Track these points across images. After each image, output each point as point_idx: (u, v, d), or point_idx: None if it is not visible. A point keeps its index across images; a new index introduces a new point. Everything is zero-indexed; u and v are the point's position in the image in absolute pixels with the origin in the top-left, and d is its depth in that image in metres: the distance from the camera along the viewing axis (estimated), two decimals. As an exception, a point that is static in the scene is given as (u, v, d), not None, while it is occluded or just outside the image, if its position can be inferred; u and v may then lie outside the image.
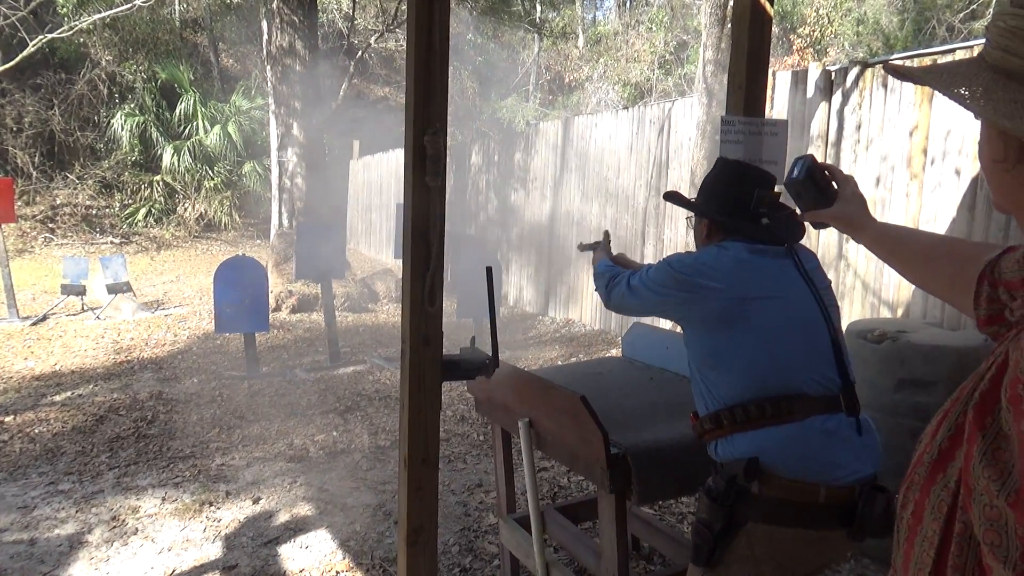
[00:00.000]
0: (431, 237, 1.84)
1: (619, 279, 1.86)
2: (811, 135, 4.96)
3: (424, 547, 1.96)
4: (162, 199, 15.41)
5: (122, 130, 15.05)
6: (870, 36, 12.17)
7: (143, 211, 15.16)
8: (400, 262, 2.08)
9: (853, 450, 1.55)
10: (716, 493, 1.55)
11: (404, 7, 9.97)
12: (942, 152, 4.22)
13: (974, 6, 11.24)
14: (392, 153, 12.93)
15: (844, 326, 2.16)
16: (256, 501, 3.66)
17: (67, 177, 15.24)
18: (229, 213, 15.54)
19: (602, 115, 7.95)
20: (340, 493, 3.76)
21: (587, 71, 15.52)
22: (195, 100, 15.48)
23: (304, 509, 3.58)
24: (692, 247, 1.96)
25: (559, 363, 6.31)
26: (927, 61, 4.27)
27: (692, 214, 1.91)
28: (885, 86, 4.56)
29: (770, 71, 3.42)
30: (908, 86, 4.35)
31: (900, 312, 4.44)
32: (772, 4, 2.55)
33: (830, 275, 3.32)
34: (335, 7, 16.71)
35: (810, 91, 4.98)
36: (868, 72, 4.68)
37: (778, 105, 5.16)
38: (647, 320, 6.09)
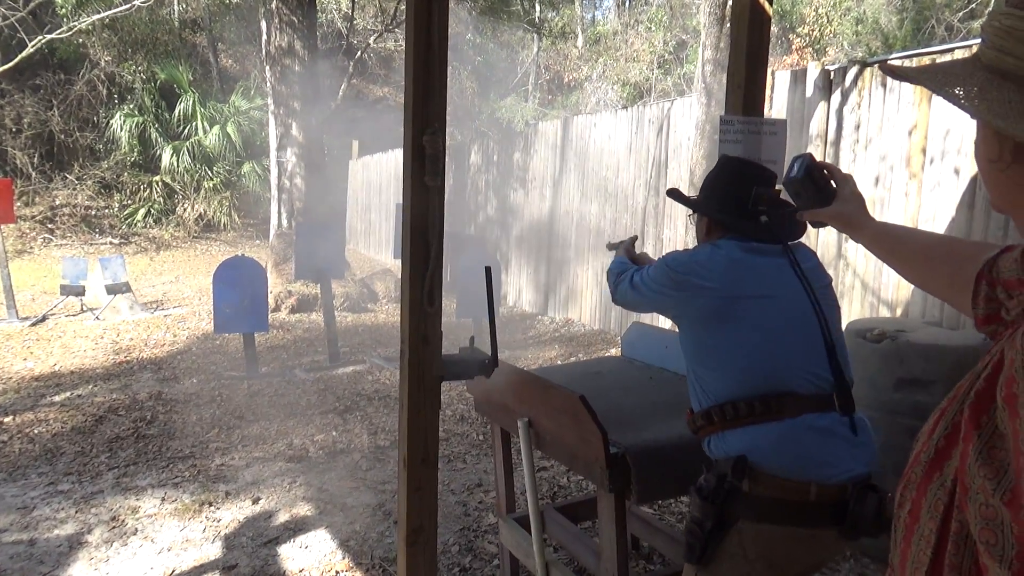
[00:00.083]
0: (430, 237, 1.84)
1: (625, 275, 1.88)
2: (810, 134, 4.96)
3: (424, 547, 1.96)
4: (161, 199, 15.41)
5: (121, 130, 15.05)
6: (869, 35, 12.17)
7: (142, 211, 15.16)
8: (399, 262, 2.08)
9: (846, 449, 1.56)
10: (707, 491, 1.56)
11: (403, 7, 9.96)
12: (941, 151, 4.22)
13: (973, 5, 11.25)
14: (391, 153, 12.92)
15: (844, 325, 2.16)
16: (256, 501, 3.66)
17: (66, 178, 15.24)
18: (228, 213, 15.54)
19: (601, 115, 7.96)
20: (340, 493, 3.76)
21: (586, 71, 15.52)
22: (194, 100, 15.48)
23: (304, 509, 3.58)
24: (691, 246, 1.97)
25: (558, 363, 6.31)
26: (926, 60, 4.28)
27: (694, 212, 1.92)
28: (884, 85, 4.56)
29: (769, 70, 3.42)
30: (907, 86, 4.36)
31: (899, 311, 4.44)
32: (771, 3, 2.55)
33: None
34: (334, 7, 16.70)
35: (809, 90, 4.98)
36: (867, 71, 4.68)
37: (777, 104, 5.16)
38: (646, 319, 6.09)
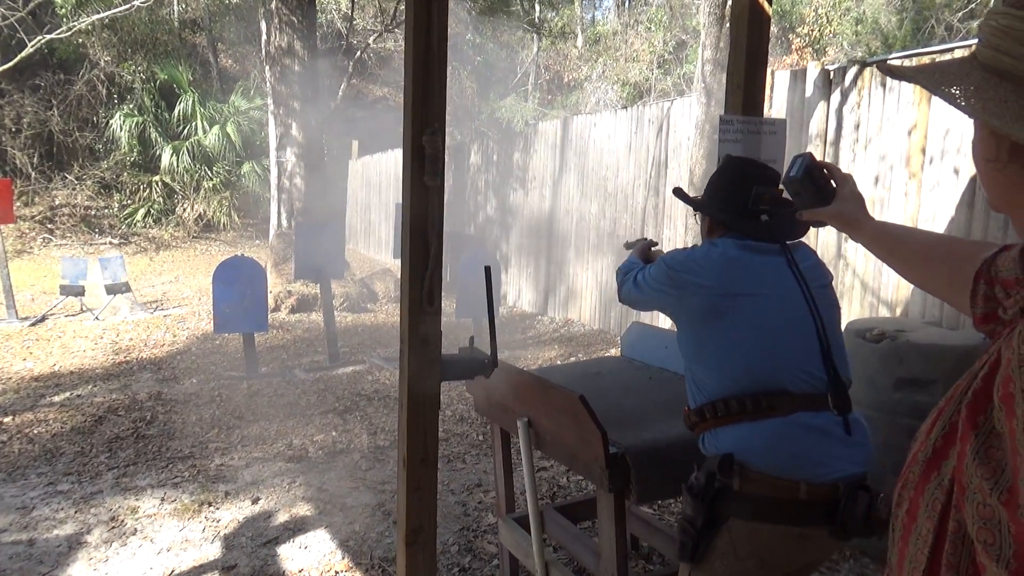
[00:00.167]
0: (430, 237, 1.84)
1: (631, 274, 1.89)
2: (810, 134, 4.96)
3: (423, 547, 1.96)
4: (161, 199, 15.41)
5: (121, 130, 15.05)
6: (869, 35, 12.17)
7: (142, 211, 15.16)
8: (399, 262, 2.08)
9: (839, 449, 1.56)
10: (697, 489, 1.57)
11: (402, 7, 9.96)
12: (941, 151, 4.23)
13: (972, 5, 11.24)
14: (391, 153, 12.92)
15: (843, 325, 2.16)
16: (255, 501, 3.66)
17: (66, 178, 15.23)
18: (228, 213, 15.54)
19: (601, 115, 7.96)
20: (339, 493, 3.76)
21: (586, 71, 15.51)
22: (194, 100, 15.48)
23: (303, 509, 3.58)
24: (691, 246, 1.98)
25: (558, 363, 6.32)
26: (925, 60, 4.27)
27: (696, 211, 1.93)
28: (884, 85, 4.56)
29: (769, 70, 3.42)
30: (907, 85, 4.36)
31: (899, 311, 4.44)
32: (771, 3, 2.55)
33: (828, 274, 3.32)
34: (334, 7, 16.71)
35: (809, 90, 4.99)
36: (867, 71, 4.68)
37: (777, 104, 5.16)
38: (646, 319, 6.09)
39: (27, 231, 13.86)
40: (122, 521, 3.42)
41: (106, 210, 15.17)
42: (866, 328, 3.15)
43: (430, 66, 1.79)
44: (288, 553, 3.15)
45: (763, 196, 1.69)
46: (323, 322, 6.91)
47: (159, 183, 15.39)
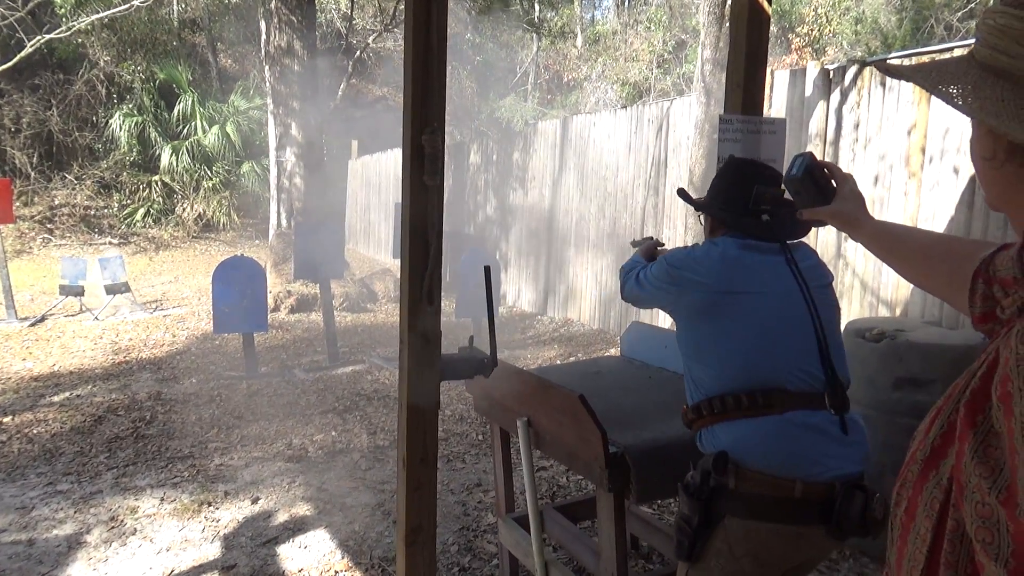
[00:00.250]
0: (429, 237, 1.84)
1: (632, 272, 1.91)
2: (809, 134, 4.96)
3: (423, 546, 1.96)
4: (160, 199, 15.41)
5: (120, 130, 15.05)
6: (868, 35, 12.17)
7: (141, 211, 15.16)
8: (398, 262, 2.08)
9: (836, 448, 1.56)
10: (692, 488, 1.58)
11: (402, 7, 9.97)
12: (940, 151, 4.23)
13: (972, 5, 11.24)
14: (391, 153, 12.92)
15: (843, 325, 2.15)
16: (255, 501, 3.66)
17: (65, 178, 15.23)
18: (228, 213, 15.54)
19: (600, 114, 7.95)
20: (339, 493, 3.76)
21: (585, 70, 15.51)
22: (193, 100, 15.48)
23: (303, 509, 3.58)
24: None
25: (558, 362, 6.32)
26: (925, 60, 4.27)
27: (698, 211, 1.94)
28: (883, 85, 4.56)
29: (768, 70, 3.42)
30: (906, 85, 4.36)
31: (898, 311, 4.44)
32: (770, 3, 2.55)
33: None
34: (333, 7, 16.71)
35: (808, 90, 4.99)
36: (866, 71, 4.68)
37: (776, 104, 5.16)
38: (646, 319, 6.09)
39: (27, 231, 13.86)
40: (122, 521, 3.42)
41: (106, 210, 15.16)
42: (866, 327, 3.15)
43: (429, 66, 1.79)
44: (288, 553, 3.16)
45: (764, 196, 1.70)
46: (323, 322, 6.91)
47: (159, 183, 15.38)
